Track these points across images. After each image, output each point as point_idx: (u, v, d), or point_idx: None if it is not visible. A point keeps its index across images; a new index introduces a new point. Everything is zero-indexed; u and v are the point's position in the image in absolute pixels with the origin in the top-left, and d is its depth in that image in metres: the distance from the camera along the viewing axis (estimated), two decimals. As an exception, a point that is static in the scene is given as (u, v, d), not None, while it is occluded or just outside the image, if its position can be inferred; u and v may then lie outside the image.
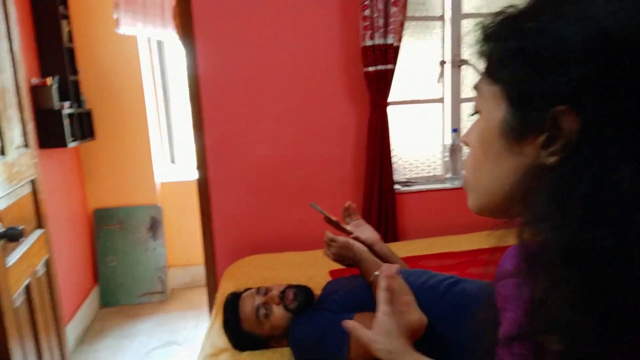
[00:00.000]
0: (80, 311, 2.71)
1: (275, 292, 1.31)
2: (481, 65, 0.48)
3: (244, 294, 1.38)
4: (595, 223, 0.36)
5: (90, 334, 2.71)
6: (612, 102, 0.36)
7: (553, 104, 0.38)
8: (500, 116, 0.44)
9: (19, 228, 1.42)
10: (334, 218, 1.46)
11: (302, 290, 1.35)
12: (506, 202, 0.45)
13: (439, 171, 2.52)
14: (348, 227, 1.47)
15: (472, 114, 0.51)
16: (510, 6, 0.46)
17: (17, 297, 1.50)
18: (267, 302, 1.30)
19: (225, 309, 1.38)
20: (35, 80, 2.34)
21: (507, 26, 0.44)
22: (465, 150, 2.49)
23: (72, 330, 2.53)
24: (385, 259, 1.42)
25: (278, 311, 1.29)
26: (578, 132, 0.38)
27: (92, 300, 2.94)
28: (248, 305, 1.31)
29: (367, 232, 1.48)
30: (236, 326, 1.32)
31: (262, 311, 1.28)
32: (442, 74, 2.41)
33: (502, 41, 0.43)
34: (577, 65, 0.37)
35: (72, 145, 2.48)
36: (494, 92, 0.45)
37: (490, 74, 0.46)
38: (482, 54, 0.47)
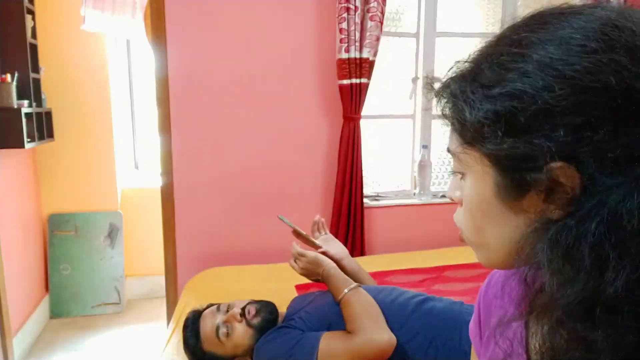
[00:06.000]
0: (29, 322, 2.55)
1: (236, 310, 1.25)
2: (449, 126, 0.45)
3: (205, 312, 1.31)
4: (606, 270, 0.34)
5: (39, 346, 2.55)
6: (605, 146, 0.35)
7: (546, 162, 0.36)
8: (491, 180, 0.42)
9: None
10: (302, 232, 1.43)
11: (265, 306, 1.29)
12: (517, 255, 0.43)
13: (407, 186, 2.54)
14: (317, 242, 1.45)
15: (452, 173, 0.48)
16: (460, 61, 0.44)
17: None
18: (228, 320, 1.24)
19: (185, 327, 1.30)
20: (-8, 76, 2.21)
21: (474, 90, 0.41)
22: (436, 166, 2.52)
23: (19, 343, 2.38)
24: (353, 274, 1.41)
25: (240, 328, 1.23)
26: (579, 184, 0.36)
27: (42, 310, 2.77)
28: (208, 324, 1.25)
29: (336, 246, 1.47)
30: (196, 346, 1.26)
31: (223, 330, 1.22)
32: (414, 91, 2.44)
33: (472, 107, 0.40)
34: (558, 121, 0.36)
35: (29, 146, 2.34)
36: (475, 157, 0.43)
37: (467, 140, 0.43)
38: (450, 117, 0.44)
